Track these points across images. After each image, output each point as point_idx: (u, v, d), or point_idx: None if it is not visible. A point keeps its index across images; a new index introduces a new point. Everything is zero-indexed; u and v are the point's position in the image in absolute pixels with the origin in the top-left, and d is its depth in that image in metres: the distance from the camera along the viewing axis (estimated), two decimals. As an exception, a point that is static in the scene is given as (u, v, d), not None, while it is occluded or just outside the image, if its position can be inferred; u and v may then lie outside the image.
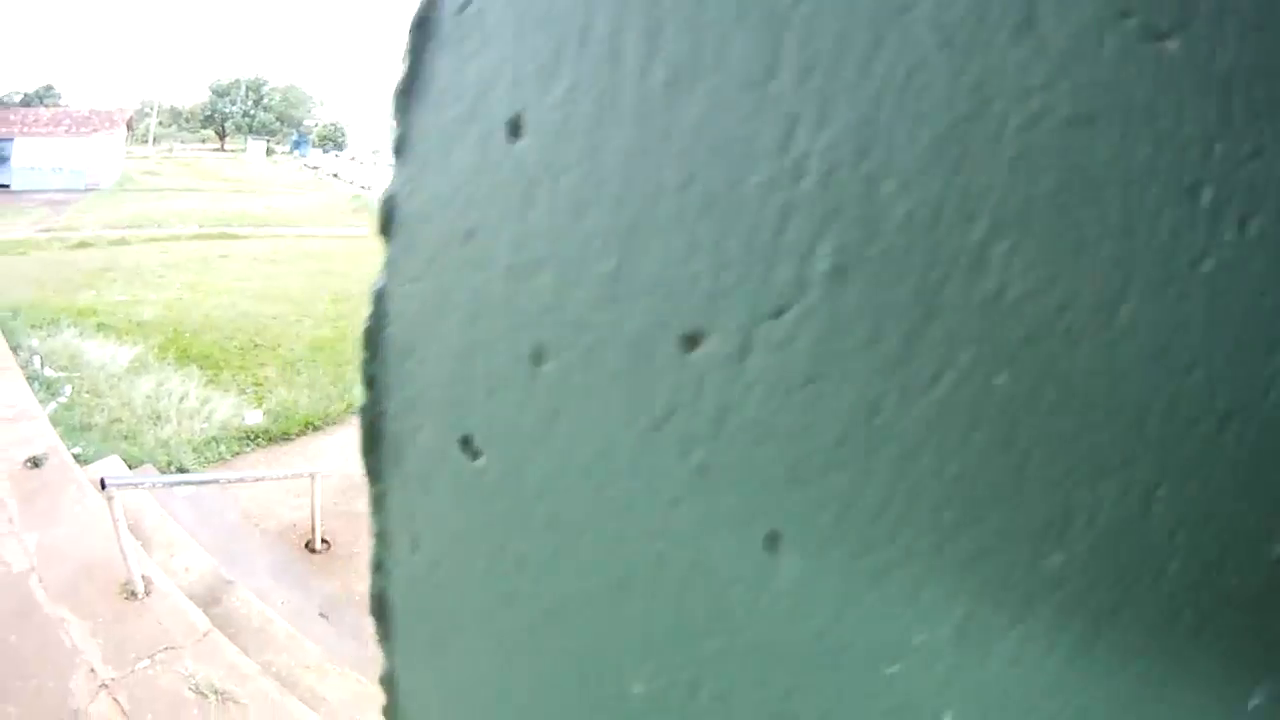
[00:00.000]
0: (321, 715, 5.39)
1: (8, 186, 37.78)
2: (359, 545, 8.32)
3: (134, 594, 5.97)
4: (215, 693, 5.17)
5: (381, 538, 0.55)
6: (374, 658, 0.62)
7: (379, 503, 0.54)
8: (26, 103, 50.97)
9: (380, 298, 0.50)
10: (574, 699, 0.53)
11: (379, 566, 0.56)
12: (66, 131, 42.62)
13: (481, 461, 0.48)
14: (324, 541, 8.26)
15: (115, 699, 4.97)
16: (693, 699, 0.47)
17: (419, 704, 0.61)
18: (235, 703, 5.17)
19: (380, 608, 0.57)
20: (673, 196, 0.40)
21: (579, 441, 0.45)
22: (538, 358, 0.45)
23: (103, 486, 5.86)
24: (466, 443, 0.48)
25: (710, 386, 0.42)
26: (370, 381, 0.53)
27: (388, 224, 0.49)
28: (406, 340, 0.50)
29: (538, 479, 0.47)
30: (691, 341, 0.41)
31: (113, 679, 5.13)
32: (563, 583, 0.49)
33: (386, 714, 0.62)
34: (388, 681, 0.60)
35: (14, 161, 39.21)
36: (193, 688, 5.19)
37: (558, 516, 0.48)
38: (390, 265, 0.50)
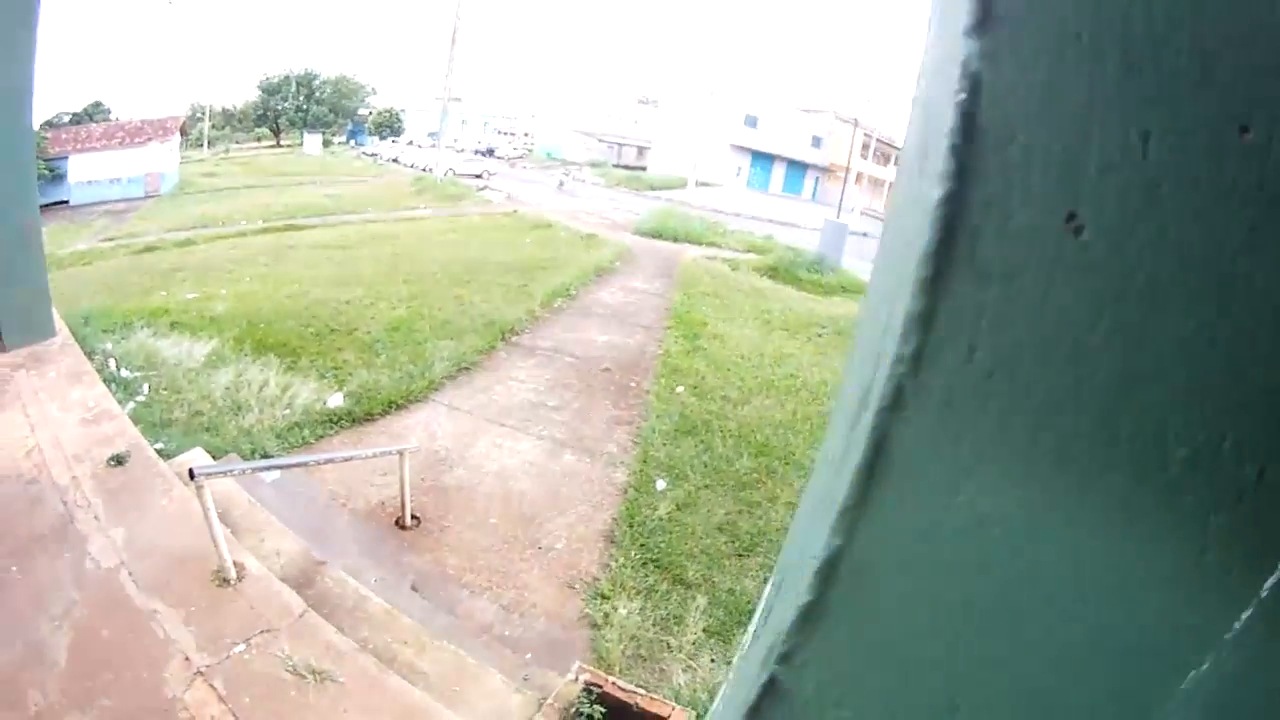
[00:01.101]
0: (420, 689, 5.31)
1: (67, 202, 39.22)
2: (449, 519, 8.37)
3: (226, 581, 5.97)
4: (313, 672, 5.13)
5: (917, 361, 0.58)
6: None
7: (927, 320, 0.57)
8: (77, 121, 52.48)
9: (977, 86, 0.54)
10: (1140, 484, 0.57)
11: (895, 401, 0.59)
12: (120, 144, 44.11)
13: (1086, 235, 0.55)
14: (414, 517, 8.25)
15: (211, 685, 4.95)
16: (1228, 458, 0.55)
17: (881, 583, 0.65)
18: (333, 681, 5.12)
19: (876, 455, 0.60)
20: (1224, 29, 0.50)
21: (1174, 208, 0.53)
22: (1144, 140, 0.52)
23: (191, 476, 5.85)
24: (1071, 218, 0.54)
25: (1254, 162, 0.51)
26: (959, 171, 0.56)
27: (984, 19, 0.54)
28: (1008, 126, 0.55)
29: (1138, 246, 0.54)
30: (1244, 130, 0.52)
31: (208, 665, 5.10)
32: (1145, 354, 0.55)
33: (811, 611, 0.68)
34: (832, 563, 0.65)
35: (70, 178, 40.71)
36: (290, 669, 5.15)
37: (1154, 280, 0.54)
38: (989, 57, 0.54)
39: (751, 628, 1.15)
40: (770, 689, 0.74)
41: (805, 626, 0.69)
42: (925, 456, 0.60)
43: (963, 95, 0.54)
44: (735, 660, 1.25)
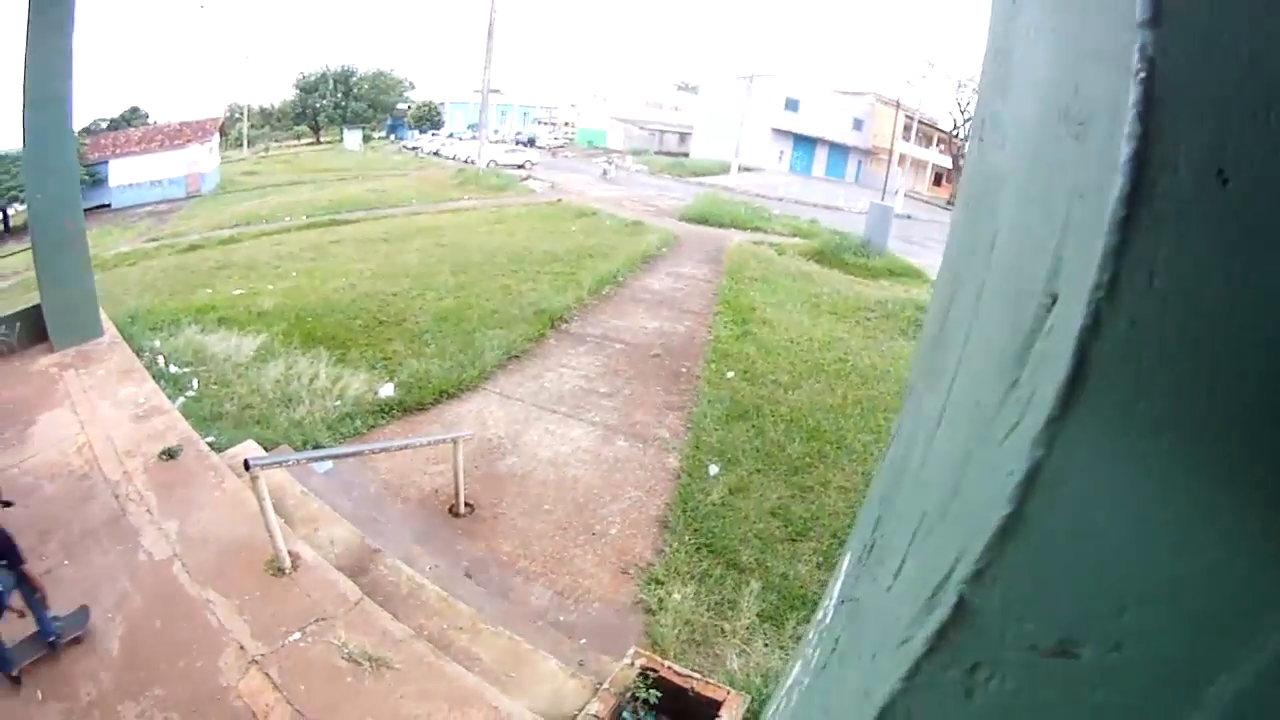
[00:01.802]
0: (476, 674, 5.29)
1: (109, 205, 40.17)
2: (503, 506, 8.37)
3: (281, 570, 6.01)
4: (369, 659, 5.12)
5: (1112, 287, 0.69)
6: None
7: (1120, 252, 0.68)
8: (115, 126, 53.61)
9: (1153, 67, 0.67)
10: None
11: (1094, 321, 0.70)
12: (160, 146, 45.15)
13: (1230, 187, 0.65)
14: (467, 505, 8.23)
15: (266, 673, 4.96)
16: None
17: (1073, 491, 0.74)
18: (389, 667, 5.11)
19: (1078, 369, 0.71)
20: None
21: None
22: (1267, 113, 0.63)
23: (247, 467, 5.90)
24: (1220, 173, 0.65)
25: None
26: (1144, 133, 0.67)
27: (1157, 15, 0.66)
28: (1175, 99, 0.67)
29: (1267, 196, 0.65)
30: None
31: (263, 654, 5.12)
32: (1273, 276, 0.66)
33: (1008, 525, 0.76)
34: (1032, 474, 0.74)
35: (111, 181, 41.83)
36: (346, 656, 5.16)
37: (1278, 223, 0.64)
38: (1160, 44, 0.66)
39: (870, 577, 1.24)
40: (960, 611, 0.81)
41: (1000, 541, 0.77)
42: (1116, 369, 0.70)
43: (1143, 74, 0.67)
44: (852, 609, 1.34)
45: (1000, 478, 0.77)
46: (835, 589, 1.59)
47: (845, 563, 1.56)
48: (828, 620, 1.53)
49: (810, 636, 1.76)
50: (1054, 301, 0.76)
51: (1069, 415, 0.72)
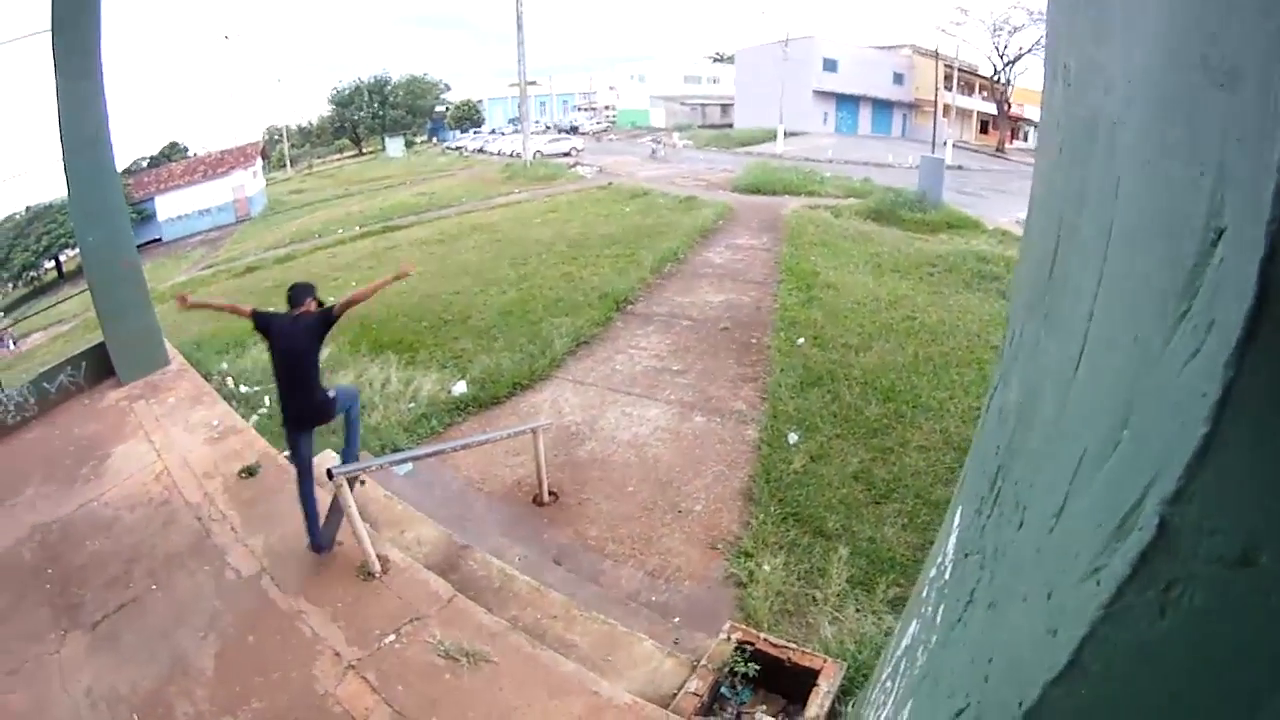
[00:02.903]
0: (573, 660, 5.26)
1: (159, 240, 41.39)
2: (586, 491, 8.38)
3: (371, 574, 6.06)
4: (466, 655, 5.13)
5: None
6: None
7: None
8: (155, 163, 55.09)
9: None
10: None
11: (1272, 253, 0.73)
12: (203, 176, 46.46)
13: None
14: (551, 493, 8.24)
15: (363, 677, 4.98)
16: None
17: (1261, 406, 0.78)
18: (487, 661, 5.11)
19: (1262, 298, 0.74)
20: None
21: None
22: None
23: (330, 476, 6.03)
24: None
25: None
26: None
27: None
28: None
29: None
30: None
31: (359, 659, 5.15)
32: None
33: (1207, 443, 0.82)
34: (1227, 392, 0.80)
35: (159, 216, 43.44)
36: (442, 654, 5.16)
37: None
38: None
39: (1007, 524, 1.30)
40: (1161, 531, 0.86)
41: (1199, 459, 0.81)
42: None
43: None
44: (983, 560, 1.37)
45: (1192, 400, 0.82)
46: (949, 544, 1.67)
47: (958, 517, 1.62)
48: (947, 576, 1.59)
49: (925, 594, 1.90)
50: (1219, 235, 0.80)
51: (1256, 336, 0.75)
